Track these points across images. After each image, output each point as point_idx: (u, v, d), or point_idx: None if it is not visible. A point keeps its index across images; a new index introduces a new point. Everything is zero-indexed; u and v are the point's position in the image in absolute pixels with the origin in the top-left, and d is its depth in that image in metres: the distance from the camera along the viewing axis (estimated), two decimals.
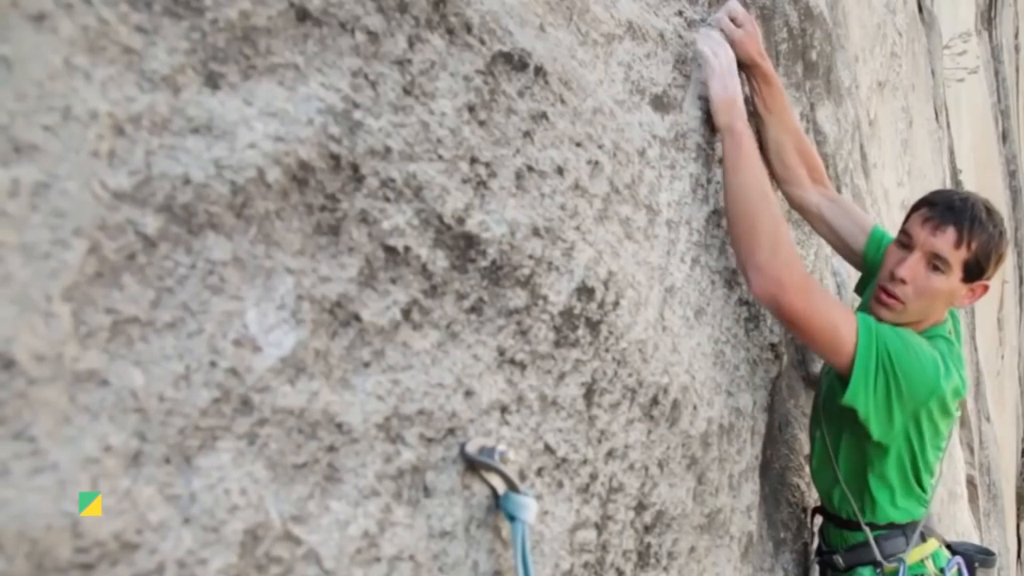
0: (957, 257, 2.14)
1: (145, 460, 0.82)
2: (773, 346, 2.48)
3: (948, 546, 2.50)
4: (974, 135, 11.09)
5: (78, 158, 0.80)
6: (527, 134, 1.41)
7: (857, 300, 2.71)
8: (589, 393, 1.49)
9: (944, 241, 2.13)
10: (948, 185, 6.94)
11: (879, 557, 2.32)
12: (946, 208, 2.16)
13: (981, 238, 2.14)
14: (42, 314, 0.76)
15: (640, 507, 1.62)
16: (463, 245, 1.24)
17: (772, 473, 2.59)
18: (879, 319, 2.20)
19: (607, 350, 1.55)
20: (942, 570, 2.43)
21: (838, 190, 3.33)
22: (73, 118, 0.80)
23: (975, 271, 2.17)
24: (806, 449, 2.71)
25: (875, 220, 2.55)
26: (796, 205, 2.56)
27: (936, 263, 2.15)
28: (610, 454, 1.54)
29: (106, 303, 0.81)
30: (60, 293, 0.77)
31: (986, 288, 2.26)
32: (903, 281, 2.17)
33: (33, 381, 0.75)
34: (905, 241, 2.21)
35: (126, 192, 0.84)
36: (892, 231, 2.48)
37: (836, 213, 2.49)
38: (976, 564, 2.55)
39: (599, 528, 1.49)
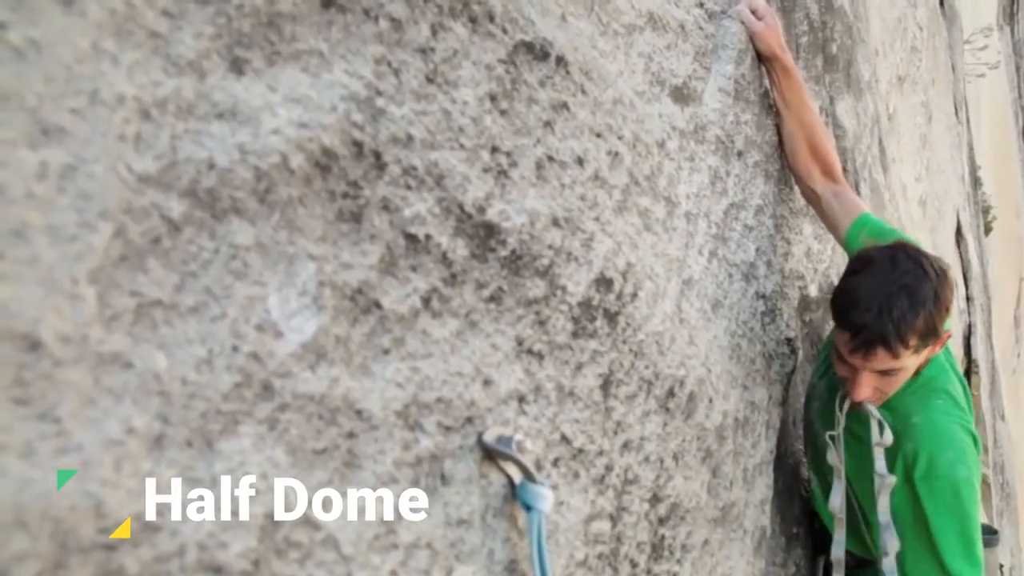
0: (903, 359, 1.98)
1: (168, 443, 0.83)
2: (789, 340, 2.47)
3: None
4: (993, 131, 11.01)
5: (105, 141, 0.80)
6: (548, 124, 1.41)
7: None
8: (606, 384, 1.49)
9: (880, 361, 1.97)
10: (966, 180, 6.89)
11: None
12: (866, 331, 1.94)
13: (916, 329, 1.93)
14: (68, 296, 0.76)
15: (655, 499, 1.62)
16: (483, 234, 1.24)
17: (785, 468, 2.59)
18: None
19: (624, 341, 1.55)
20: None
21: (857, 184, 3.31)
22: (100, 102, 0.80)
23: (929, 342, 1.99)
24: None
25: (867, 209, 2.47)
26: (806, 197, 2.56)
27: (885, 372, 2.01)
28: (626, 446, 1.54)
29: (131, 286, 0.82)
30: (86, 275, 0.78)
31: (949, 335, 2.09)
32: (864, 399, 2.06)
33: (58, 362, 0.75)
34: (842, 358, 2.06)
35: (151, 176, 0.84)
36: (910, 227, 2.46)
37: (832, 204, 2.45)
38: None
39: (614, 519, 1.49)
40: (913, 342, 1.94)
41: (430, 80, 1.17)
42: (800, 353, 2.58)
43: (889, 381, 2.04)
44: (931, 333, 1.97)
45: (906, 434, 2.10)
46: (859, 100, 3.52)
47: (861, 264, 2.06)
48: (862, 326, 1.94)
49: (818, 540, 2.71)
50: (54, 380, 0.75)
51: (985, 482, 6.08)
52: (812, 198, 2.51)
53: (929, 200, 5.37)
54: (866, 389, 2.03)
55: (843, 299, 2.03)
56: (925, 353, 2.02)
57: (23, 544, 0.72)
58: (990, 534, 2.62)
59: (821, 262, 2.90)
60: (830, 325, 3.02)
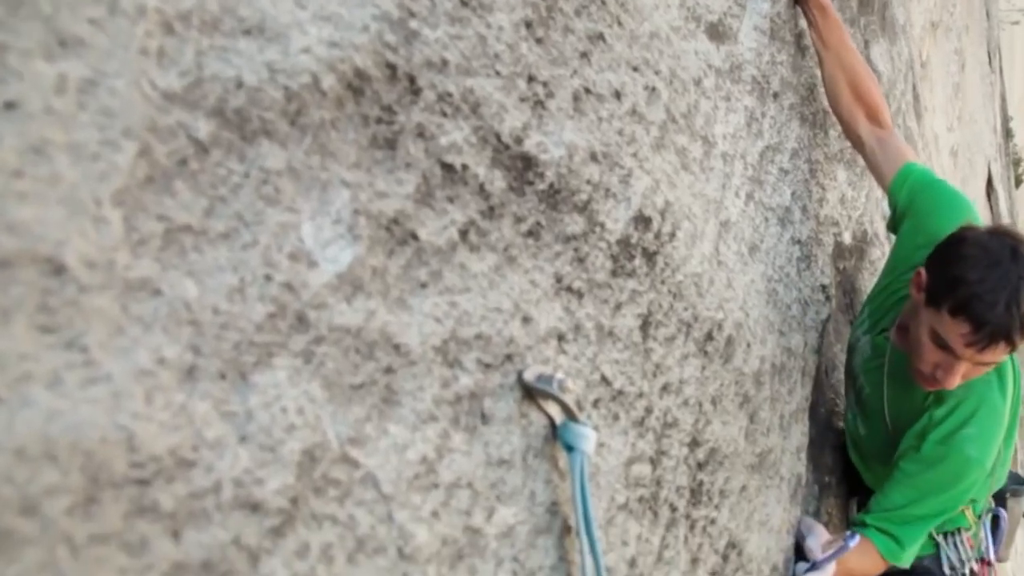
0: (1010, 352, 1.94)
1: (200, 375, 0.79)
2: (824, 287, 2.42)
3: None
4: None
5: (126, 55, 0.75)
6: (584, 55, 1.34)
7: None
8: (645, 325, 1.44)
9: (994, 355, 1.90)
10: (998, 131, 6.73)
11: None
12: (991, 326, 1.84)
13: None
14: (92, 218, 0.72)
15: (694, 443, 1.58)
16: (520, 166, 1.18)
17: (818, 416, 2.54)
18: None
19: (663, 282, 1.49)
20: (979, 517, 2.39)
21: None
22: (120, 12, 0.75)
23: None
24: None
25: (913, 158, 2.37)
26: (852, 142, 2.48)
27: (986, 363, 1.95)
28: (665, 388, 1.49)
29: (158, 210, 0.77)
30: (110, 197, 0.73)
31: None
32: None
33: (84, 288, 0.71)
34: (943, 345, 1.94)
35: (176, 93, 0.79)
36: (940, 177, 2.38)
37: (876, 151, 2.36)
38: (1008, 495, 2.52)
39: (654, 463, 1.45)
40: None
41: (464, 3, 1.11)
42: (833, 301, 2.52)
43: (982, 370, 1.97)
44: None
45: (944, 400, 2.05)
46: (894, 44, 3.41)
47: (976, 251, 1.91)
48: (988, 320, 1.84)
49: (852, 482, 2.68)
50: (80, 307, 0.71)
51: None
52: (857, 144, 2.43)
53: (960, 151, 5.26)
54: (959, 378, 1.94)
55: (963, 289, 1.88)
56: None
57: (53, 477, 0.68)
58: (1018, 483, 2.58)
59: (855, 209, 2.83)
60: (865, 276, 2.96)
